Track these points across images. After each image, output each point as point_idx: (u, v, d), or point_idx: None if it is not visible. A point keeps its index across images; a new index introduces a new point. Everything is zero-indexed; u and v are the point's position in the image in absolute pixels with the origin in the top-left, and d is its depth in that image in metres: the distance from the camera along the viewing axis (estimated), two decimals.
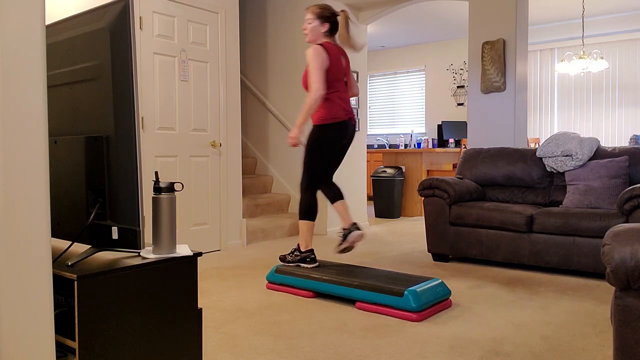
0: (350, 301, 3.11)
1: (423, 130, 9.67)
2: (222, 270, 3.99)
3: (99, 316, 1.42)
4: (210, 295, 3.29)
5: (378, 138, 9.79)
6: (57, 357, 1.49)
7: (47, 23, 2.33)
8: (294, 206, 6.03)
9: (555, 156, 4.26)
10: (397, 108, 9.96)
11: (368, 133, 9.12)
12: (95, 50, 1.54)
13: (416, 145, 8.39)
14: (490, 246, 4.02)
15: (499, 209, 3.99)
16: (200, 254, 1.67)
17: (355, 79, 6.19)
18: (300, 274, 3.29)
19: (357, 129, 6.25)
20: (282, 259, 3.57)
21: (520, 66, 5.11)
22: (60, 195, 1.67)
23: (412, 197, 7.26)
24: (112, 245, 1.56)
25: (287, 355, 2.34)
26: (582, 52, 6.93)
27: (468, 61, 5.28)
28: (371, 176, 7.32)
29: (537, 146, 6.09)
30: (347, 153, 6.28)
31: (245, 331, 2.64)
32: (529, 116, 8.71)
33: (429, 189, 4.26)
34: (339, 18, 3.64)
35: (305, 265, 3.45)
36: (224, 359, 2.29)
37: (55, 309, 1.46)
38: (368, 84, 9.05)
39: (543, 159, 4.35)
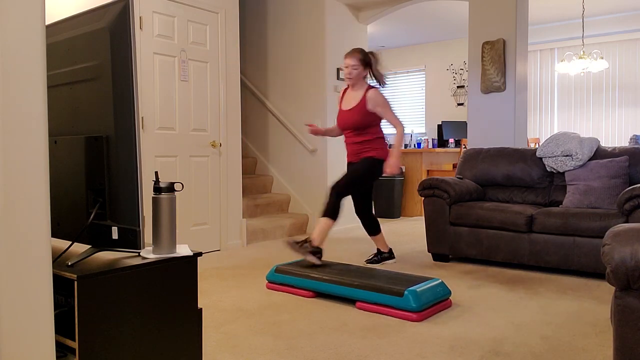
0: (350, 301, 3.11)
1: (423, 130, 9.68)
2: (222, 270, 3.99)
3: (99, 316, 1.42)
4: (210, 295, 3.29)
5: None
6: (57, 357, 1.49)
7: (47, 23, 2.33)
8: (294, 206, 6.03)
9: (555, 156, 4.26)
10: (397, 108, 9.96)
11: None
12: (95, 50, 1.54)
13: (416, 145, 8.39)
14: (490, 246, 4.02)
15: (499, 209, 3.99)
16: (200, 254, 1.67)
17: None
18: (300, 274, 3.29)
19: None
20: (292, 242, 3.60)
21: (520, 66, 5.11)
22: (60, 195, 1.67)
23: (412, 197, 7.26)
24: (112, 245, 1.56)
25: (287, 355, 2.34)
26: (582, 52, 6.93)
27: (468, 61, 5.28)
28: None
29: (537, 146, 6.09)
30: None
31: (245, 331, 2.64)
32: (529, 116, 8.71)
33: (429, 189, 4.26)
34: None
35: (312, 260, 3.49)
36: (224, 359, 2.29)
37: (55, 309, 1.46)
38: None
39: (543, 159, 4.35)
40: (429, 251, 4.32)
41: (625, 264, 1.60)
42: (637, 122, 7.92)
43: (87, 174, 1.58)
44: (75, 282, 1.38)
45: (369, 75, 3.98)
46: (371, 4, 6.05)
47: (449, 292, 3.02)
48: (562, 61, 7.30)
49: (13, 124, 1.15)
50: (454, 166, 7.72)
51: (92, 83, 1.56)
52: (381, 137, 3.97)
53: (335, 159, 5.89)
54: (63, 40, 1.66)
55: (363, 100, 3.87)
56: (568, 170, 4.16)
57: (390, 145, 4.41)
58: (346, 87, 4.05)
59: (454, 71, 9.37)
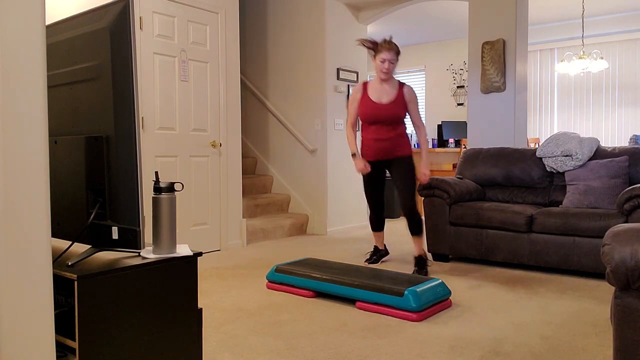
0: (350, 301, 3.11)
1: None
2: (222, 270, 3.99)
3: (99, 316, 1.42)
4: (210, 295, 3.29)
5: None
6: (57, 357, 1.49)
7: (47, 23, 2.33)
8: (294, 206, 6.03)
9: (555, 156, 4.26)
10: None
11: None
12: (95, 50, 1.54)
13: (416, 146, 8.39)
14: (490, 246, 4.02)
15: (499, 209, 3.99)
16: (200, 254, 1.67)
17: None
18: (301, 274, 3.29)
19: (357, 130, 6.26)
20: (417, 271, 3.82)
21: (520, 66, 5.11)
22: (60, 195, 1.67)
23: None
24: (112, 245, 1.56)
25: (287, 355, 2.33)
26: (582, 52, 6.93)
27: (468, 61, 5.28)
28: None
29: (537, 146, 6.09)
30: (347, 153, 6.28)
31: (245, 331, 2.64)
32: (529, 116, 8.71)
33: (429, 189, 4.26)
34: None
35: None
36: (224, 359, 2.29)
37: (55, 309, 1.46)
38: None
39: (543, 159, 4.35)
40: (429, 251, 4.32)
41: (625, 264, 1.60)
42: (637, 122, 7.92)
43: (87, 174, 1.58)
44: (75, 282, 1.38)
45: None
46: (371, 4, 6.05)
47: (449, 292, 3.02)
48: (562, 61, 7.30)
49: (13, 124, 1.15)
50: (454, 166, 7.71)
51: (92, 83, 1.56)
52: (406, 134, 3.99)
53: (335, 159, 5.89)
54: (63, 40, 1.66)
55: (401, 94, 3.87)
56: (568, 170, 4.16)
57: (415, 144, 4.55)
58: (365, 81, 4.00)
59: (454, 71, 9.37)
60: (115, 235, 1.54)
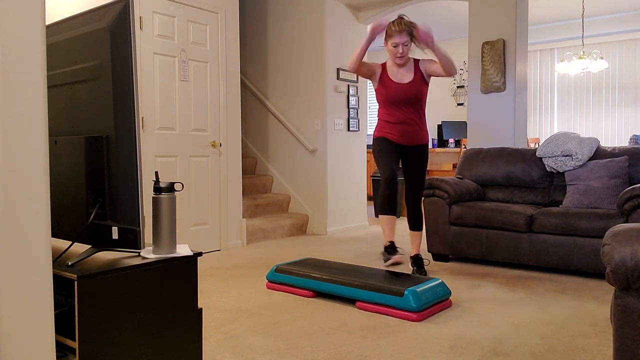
0: (350, 301, 3.11)
1: None
2: (222, 270, 3.99)
3: (99, 316, 1.42)
4: (210, 295, 3.29)
5: None
6: (57, 357, 1.49)
7: (47, 23, 2.33)
8: (294, 206, 6.03)
9: (555, 156, 4.26)
10: None
11: (368, 133, 9.12)
12: (95, 50, 1.54)
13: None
14: (490, 246, 4.02)
15: (499, 209, 3.99)
16: (200, 254, 1.67)
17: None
18: (301, 274, 3.29)
19: (357, 129, 6.26)
20: (423, 270, 3.76)
21: (520, 66, 5.11)
22: (60, 195, 1.67)
23: None
24: (112, 245, 1.56)
25: (287, 355, 2.33)
26: (582, 52, 6.93)
27: (468, 61, 5.28)
28: (371, 176, 7.31)
29: (537, 146, 6.09)
30: (347, 153, 6.29)
31: (245, 331, 2.64)
32: (529, 116, 8.71)
33: (429, 189, 4.26)
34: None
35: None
36: (224, 359, 2.29)
37: (55, 309, 1.46)
38: (368, 84, 9.05)
39: (543, 159, 4.35)
40: (429, 251, 4.32)
41: (625, 264, 1.60)
42: (637, 122, 7.92)
43: (87, 174, 1.58)
44: (75, 282, 1.38)
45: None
46: (371, 4, 6.05)
47: (449, 292, 3.02)
48: (562, 61, 7.30)
49: (13, 124, 1.15)
50: (454, 166, 7.72)
51: (92, 83, 1.56)
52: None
53: (335, 159, 5.89)
54: (63, 40, 1.66)
55: (417, 71, 3.69)
56: (568, 170, 4.16)
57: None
58: (383, 62, 3.79)
59: None
60: (115, 235, 1.54)
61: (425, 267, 3.92)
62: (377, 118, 3.85)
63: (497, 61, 5.03)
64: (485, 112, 5.16)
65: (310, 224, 5.88)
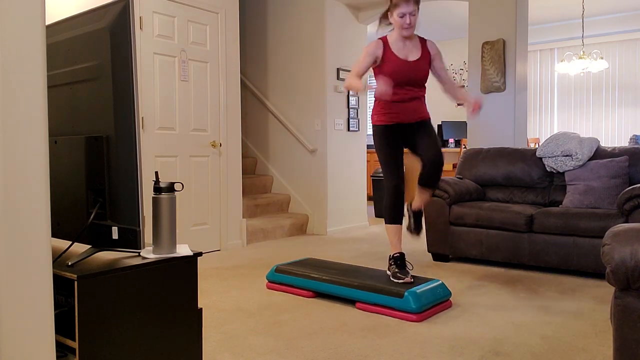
0: (350, 301, 3.11)
1: None
2: (222, 270, 3.99)
3: (99, 316, 1.42)
4: (210, 295, 3.29)
5: None
6: (57, 357, 1.49)
7: (47, 23, 2.33)
8: (294, 206, 6.03)
9: (555, 156, 4.26)
10: None
11: (368, 133, 9.13)
12: (95, 50, 1.54)
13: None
14: (490, 246, 4.02)
15: (499, 209, 3.99)
16: (200, 254, 1.67)
17: None
18: (300, 274, 3.29)
19: (357, 129, 6.25)
20: (419, 227, 3.52)
21: (520, 66, 5.11)
22: (60, 195, 1.67)
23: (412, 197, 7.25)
24: (112, 245, 1.56)
25: (287, 355, 2.33)
26: (582, 52, 6.93)
27: (468, 61, 5.28)
28: (371, 176, 7.31)
29: (537, 146, 6.09)
30: (347, 153, 6.28)
31: (245, 331, 2.64)
32: (529, 116, 8.71)
33: None
34: None
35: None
36: (224, 359, 2.29)
37: (55, 309, 1.46)
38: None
39: (543, 159, 4.35)
40: (429, 251, 4.32)
41: (625, 264, 1.60)
42: (637, 122, 7.92)
43: (87, 174, 1.58)
44: (75, 282, 1.38)
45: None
46: (371, 4, 6.05)
47: (449, 293, 3.02)
48: (562, 61, 7.30)
49: (13, 124, 1.15)
50: (454, 166, 7.71)
51: (92, 83, 1.56)
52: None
53: (335, 159, 5.89)
54: (63, 40, 1.66)
55: (426, 50, 3.42)
56: (568, 170, 4.16)
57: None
58: (383, 36, 3.43)
59: (454, 71, 9.37)
60: (115, 235, 1.54)
61: (410, 270, 3.22)
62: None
63: (497, 61, 5.04)
64: (485, 112, 5.16)
65: (310, 224, 5.88)
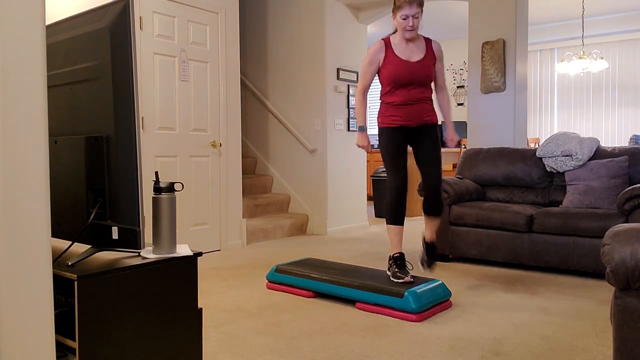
0: (350, 301, 3.11)
1: None
2: (222, 270, 3.99)
3: (99, 316, 1.42)
4: (210, 295, 3.29)
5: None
6: (57, 357, 1.49)
7: (47, 23, 2.33)
8: (294, 206, 6.03)
9: (555, 156, 4.26)
10: None
11: (368, 133, 9.13)
12: (95, 50, 1.54)
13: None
14: (490, 246, 4.02)
15: (499, 209, 3.99)
16: (200, 254, 1.67)
17: (356, 78, 6.20)
18: (300, 274, 3.29)
19: (357, 129, 6.25)
20: (434, 261, 3.43)
21: (520, 66, 5.11)
22: (60, 195, 1.67)
23: (412, 197, 7.26)
24: (112, 245, 1.56)
25: (287, 355, 2.33)
26: (582, 52, 6.93)
27: (468, 61, 5.28)
28: (371, 176, 7.31)
29: (537, 146, 6.09)
30: (347, 153, 6.28)
31: (245, 331, 2.64)
32: (529, 116, 8.71)
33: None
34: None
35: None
36: (224, 359, 2.29)
37: (55, 309, 1.46)
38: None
39: (543, 159, 4.35)
40: None
41: (625, 264, 1.60)
42: (637, 122, 7.92)
43: (87, 174, 1.58)
44: (75, 282, 1.38)
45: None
46: (371, 4, 6.05)
47: (449, 294, 3.02)
48: (562, 61, 7.30)
49: (13, 124, 1.15)
50: (454, 166, 7.72)
51: (92, 83, 1.56)
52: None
53: (335, 159, 5.89)
54: (63, 40, 1.66)
55: (431, 50, 3.36)
56: (568, 170, 4.16)
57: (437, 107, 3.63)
58: (384, 37, 3.43)
59: (454, 71, 9.37)
60: (115, 235, 1.54)
61: (410, 270, 3.24)
62: (374, 117, 3.52)
63: (497, 61, 5.04)
64: (485, 112, 5.16)
65: (310, 224, 5.88)
